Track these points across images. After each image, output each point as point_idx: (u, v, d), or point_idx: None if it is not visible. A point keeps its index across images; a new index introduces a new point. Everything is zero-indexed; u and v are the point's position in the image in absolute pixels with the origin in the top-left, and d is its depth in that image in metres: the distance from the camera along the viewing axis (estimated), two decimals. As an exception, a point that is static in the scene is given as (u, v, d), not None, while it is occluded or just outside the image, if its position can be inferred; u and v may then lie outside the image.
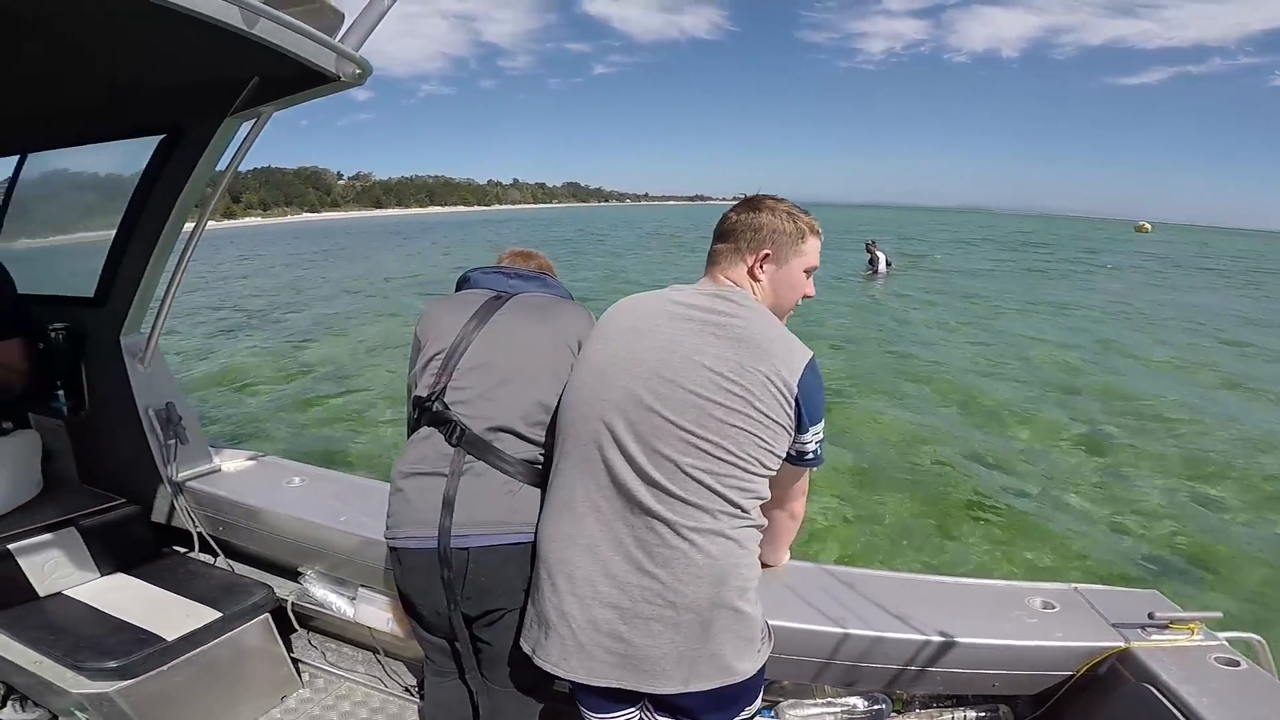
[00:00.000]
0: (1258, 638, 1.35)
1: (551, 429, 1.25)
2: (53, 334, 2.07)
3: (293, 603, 2.02)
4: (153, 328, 2.04)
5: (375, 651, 2.06)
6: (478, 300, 1.36)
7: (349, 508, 1.92)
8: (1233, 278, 23.29)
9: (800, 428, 1.11)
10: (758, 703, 1.17)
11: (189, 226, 1.90)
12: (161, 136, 1.86)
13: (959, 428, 6.04)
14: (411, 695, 1.96)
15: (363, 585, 1.93)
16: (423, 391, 1.30)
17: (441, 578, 1.23)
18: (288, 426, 6.34)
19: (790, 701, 1.59)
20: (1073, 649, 1.37)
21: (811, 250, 1.23)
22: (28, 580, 1.85)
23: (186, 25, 1.18)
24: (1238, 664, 1.28)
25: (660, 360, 1.09)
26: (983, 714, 1.53)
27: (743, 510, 1.08)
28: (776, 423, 1.07)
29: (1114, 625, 1.39)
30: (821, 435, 1.16)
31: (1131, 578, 3.74)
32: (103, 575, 2.00)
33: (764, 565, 1.41)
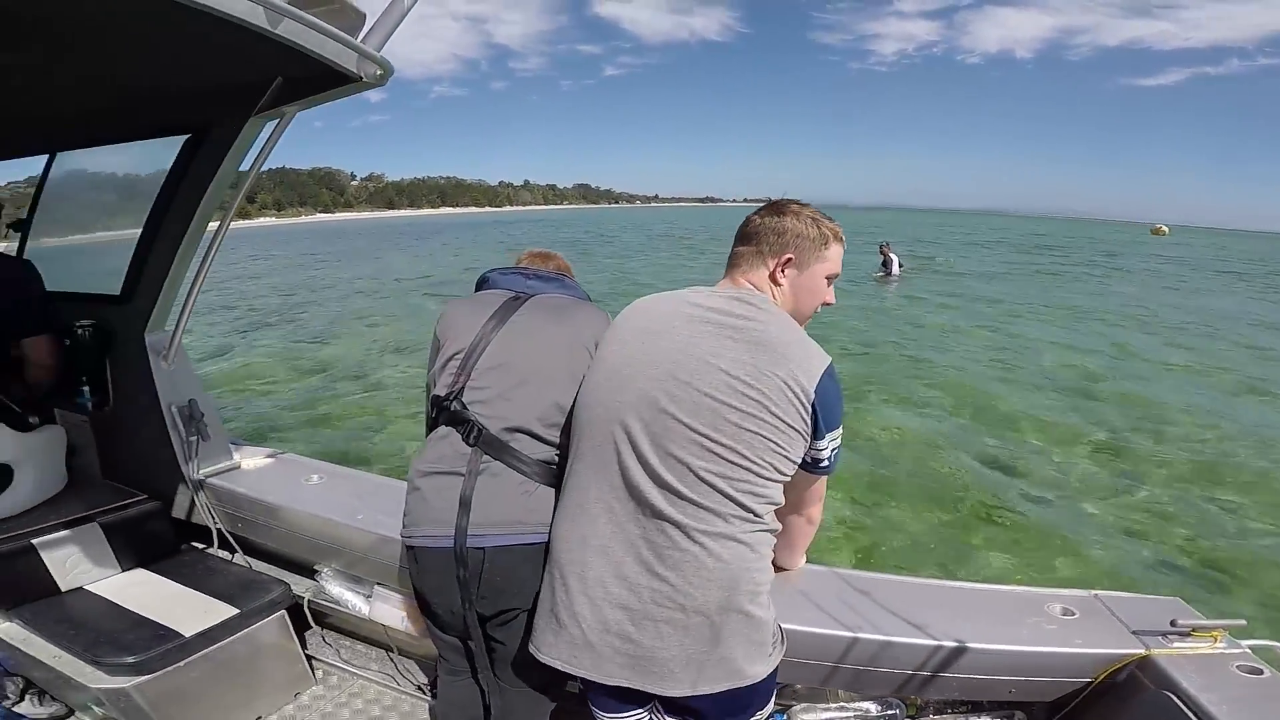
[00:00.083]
0: None
1: (567, 430, 1.25)
2: (79, 331, 2.11)
3: (309, 600, 2.03)
4: (176, 325, 2.06)
5: (389, 649, 2.07)
6: (496, 301, 1.37)
7: (366, 506, 1.93)
8: (1252, 281, 22.93)
9: (816, 434, 1.10)
10: (769, 706, 1.16)
11: (212, 226, 1.92)
12: (187, 136, 1.89)
13: (975, 433, 5.99)
14: (424, 694, 1.96)
15: (378, 583, 1.94)
16: (441, 390, 1.31)
17: (457, 577, 1.24)
18: (304, 425, 6.39)
19: (803, 706, 1.58)
20: (1092, 655, 1.35)
21: (834, 257, 1.23)
22: (50, 575, 1.87)
23: (213, 26, 1.19)
24: (1261, 672, 1.26)
25: (676, 363, 1.09)
26: None
27: (755, 515, 1.07)
28: (792, 428, 1.07)
29: (1134, 632, 1.37)
30: (839, 442, 1.15)
31: (1152, 584, 3.68)
32: (123, 570, 2.02)
33: (779, 569, 1.41)
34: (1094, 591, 1.54)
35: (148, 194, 2.00)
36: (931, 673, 1.37)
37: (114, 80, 1.75)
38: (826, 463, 1.15)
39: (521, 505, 1.25)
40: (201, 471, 2.13)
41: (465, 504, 1.23)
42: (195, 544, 2.25)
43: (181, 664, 1.69)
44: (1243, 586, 3.75)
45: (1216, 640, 1.33)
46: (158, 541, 2.13)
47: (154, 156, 2.00)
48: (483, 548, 1.23)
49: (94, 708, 1.70)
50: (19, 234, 2.47)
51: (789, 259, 1.19)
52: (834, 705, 1.58)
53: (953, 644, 1.35)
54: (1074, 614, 1.45)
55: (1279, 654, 1.32)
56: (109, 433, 2.28)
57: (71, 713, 1.79)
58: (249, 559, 2.16)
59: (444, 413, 1.30)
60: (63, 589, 1.89)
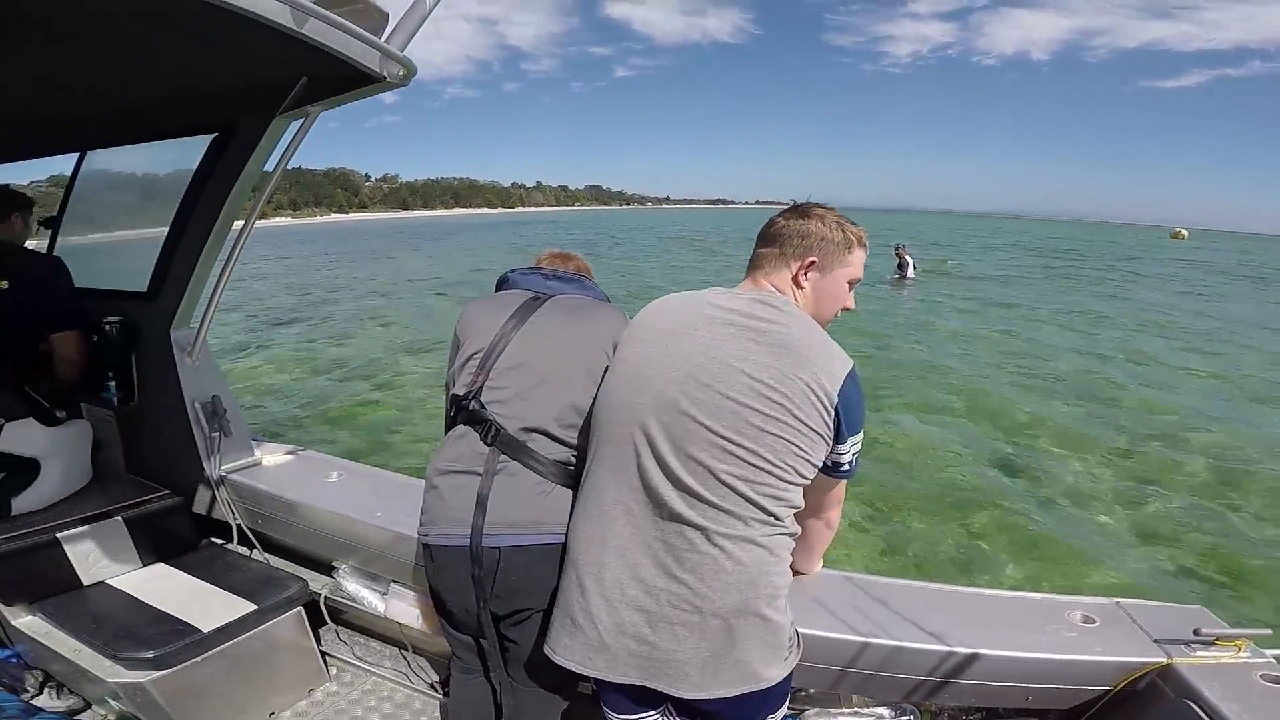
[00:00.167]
0: None
1: (585, 431, 1.26)
2: (106, 327, 2.15)
3: (325, 596, 2.05)
4: (201, 322, 2.09)
5: (402, 647, 2.08)
6: (516, 301, 1.38)
7: (386, 504, 1.94)
8: (1274, 286, 22.48)
9: (839, 438, 1.10)
10: (783, 710, 1.16)
11: (237, 225, 1.95)
12: (214, 135, 1.92)
13: (992, 440, 5.92)
14: (436, 692, 1.97)
15: (394, 581, 1.95)
16: (460, 390, 1.32)
17: (472, 576, 1.25)
18: (322, 422, 6.46)
19: (816, 710, 1.57)
20: (1112, 663, 1.33)
21: (857, 261, 1.23)
22: (73, 569, 1.90)
23: (240, 25, 1.22)
24: None
25: (698, 365, 1.09)
26: None
27: (776, 518, 1.07)
28: (815, 432, 1.06)
29: (1156, 640, 1.35)
30: (859, 446, 1.15)
31: (1174, 593, 3.62)
32: (144, 565, 2.05)
33: (796, 573, 1.40)
34: (1116, 599, 1.52)
35: (174, 193, 2.03)
36: (946, 678, 1.36)
37: (144, 80, 1.78)
38: (847, 467, 1.15)
39: (538, 505, 1.25)
40: (223, 467, 2.15)
41: (482, 503, 1.24)
42: (215, 539, 2.27)
43: (199, 659, 1.71)
44: (1267, 596, 3.68)
45: (1240, 649, 1.31)
46: (178, 537, 2.15)
47: (180, 156, 2.04)
48: (498, 547, 1.23)
49: (111, 701, 1.72)
50: (50, 231, 2.52)
51: (812, 262, 1.18)
52: (847, 710, 1.56)
53: (969, 650, 1.34)
54: (1095, 621, 1.43)
55: None
56: (133, 428, 2.31)
57: (89, 706, 1.81)
58: (267, 555, 2.18)
59: (462, 412, 1.31)
60: (85, 583, 1.92)
